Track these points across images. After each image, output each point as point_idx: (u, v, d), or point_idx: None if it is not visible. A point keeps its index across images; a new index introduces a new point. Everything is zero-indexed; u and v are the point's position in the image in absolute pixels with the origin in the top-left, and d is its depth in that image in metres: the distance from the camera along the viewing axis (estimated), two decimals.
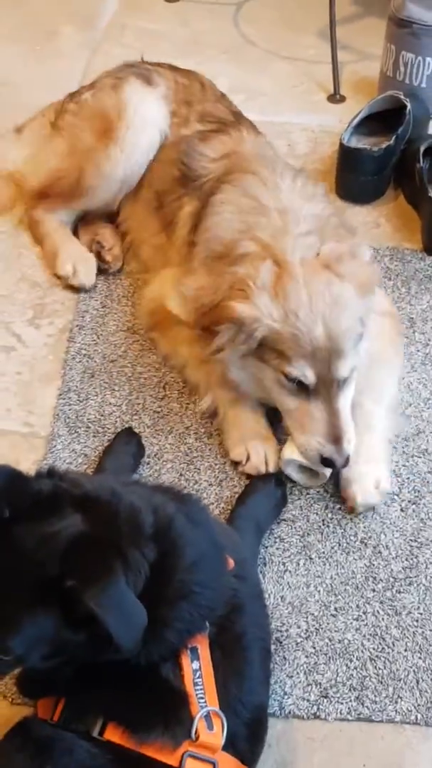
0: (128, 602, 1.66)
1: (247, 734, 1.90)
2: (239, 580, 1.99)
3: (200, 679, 1.83)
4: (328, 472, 2.63)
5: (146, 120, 3.24)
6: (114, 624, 1.61)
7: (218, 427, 2.82)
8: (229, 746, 1.84)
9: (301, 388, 2.55)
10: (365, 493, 2.61)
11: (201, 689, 1.82)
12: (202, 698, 1.81)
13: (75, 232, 3.47)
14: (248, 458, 2.71)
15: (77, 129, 3.33)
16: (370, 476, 2.63)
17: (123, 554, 1.69)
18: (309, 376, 2.52)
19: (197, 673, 1.83)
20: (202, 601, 1.83)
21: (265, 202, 2.77)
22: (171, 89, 3.35)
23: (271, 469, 2.68)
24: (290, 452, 2.62)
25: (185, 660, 1.83)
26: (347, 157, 3.67)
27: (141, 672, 1.80)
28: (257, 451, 2.71)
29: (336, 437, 2.54)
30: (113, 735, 1.76)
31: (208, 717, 1.81)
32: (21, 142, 3.59)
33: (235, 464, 2.74)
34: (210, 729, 1.80)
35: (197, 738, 1.78)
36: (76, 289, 3.30)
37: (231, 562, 1.98)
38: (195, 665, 1.83)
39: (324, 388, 2.54)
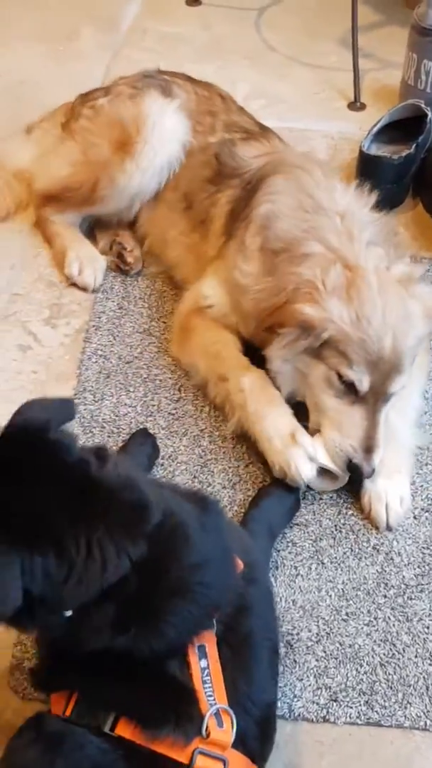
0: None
1: (258, 733, 1.91)
2: (248, 582, 2.00)
3: (209, 677, 1.83)
4: (346, 477, 2.63)
5: (165, 135, 3.23)
6: None
7: (256, 447, 2.74)
8: (240, 744, 1.85)
9: (349, 392, 2.55)
10: (393, 515, 2.62)
11: (210, 687, 1.83)
12: (210, 695, 1.82)
13: (91, 232, 3.49)
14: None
15: (92, 136, 3.32)
16: (395, 493, 2.64)
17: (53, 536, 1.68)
18: (365, 383, 2.52)
19: (205, 670, 1.84)
20: (205, 601, 1.83)
21: (324, 204, 2.77)
22: (192, 100, 3.35)
23: (322, 460, 2.62)
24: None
25: (193, 657, 1.84)
26: (367, 164, 3.67)
27: (147, 668, 1.81)
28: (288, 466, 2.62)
29: (369, 447, 2.55)
30: (125, 730, 1.76)
31: (217, 714, 1.81)
32: (30, 142, 3.60)
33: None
34: (220, 726, 1.81)
35: (208, 735, 1.78)
36: (84, 289, 3.31)
37: (240, 565, 1.98)
38: (203, 663, 1.84)
39: (372, 398, 2.55)
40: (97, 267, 3.33)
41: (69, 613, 1.73)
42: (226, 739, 1.81)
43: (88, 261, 3.33)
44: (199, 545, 1.85)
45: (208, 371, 2.86)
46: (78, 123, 3.40)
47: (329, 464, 2.60)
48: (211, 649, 1.87)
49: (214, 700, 1.82)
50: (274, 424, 2.65)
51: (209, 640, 1.87)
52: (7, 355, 3.10)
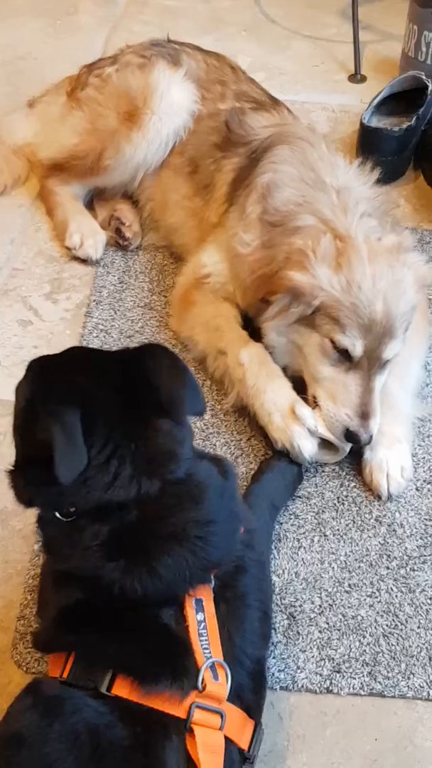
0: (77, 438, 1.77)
1: (253, 685, 1.93)
2: (247, 547, 2.02)
3: (205, 630, 1.84)
4: (347, 447, 2.64)
5: (173, 106, 3.24)
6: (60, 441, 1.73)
7: (256, 420, 2.74)
8: (236, 698, 1.86)
9: (343, 360, 2.57)
10: (395, 484, 2.62)
11: (206, 640, 1.84)
12: (206, 649, 1.83)
13: (90, 206, 3.48)
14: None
15: (100, 106, 3.32)
16: (396, 463, 2.64)
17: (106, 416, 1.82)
18: (358, 347, 2.53)
19: (201, 624, 1.85)
20: (203, 555, 1.84)
21: (324, 178, 2.77)
22: (201, 69, 3.34)
23: (321, 431, 2.63)
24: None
25: (190, 610, 1.85)
26: (367, 136, 3.66)
27: (142, 617, 1.83)
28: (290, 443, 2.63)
29: (365, 413, 2.56)
30: (122, 688, 1.77)
31: (213, 668, 1.82)
32: (34, 116, 3.59)
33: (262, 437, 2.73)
34: (215, 679, 1.81)
35: (204, 688, 1.79)
36: (84, 261, 3.31)
37: (241, 530, 2.00)
38: (200, 616, 1.85)
39: (366, 364, 2.56)
40: (98, 240, 3.32)
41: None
42: (222, 692, 1.82)
43: (90, 233, 3.32)
44: (210, 506, 1.89)
45: (207, 345, 2.85)
46: (85, 92, 3.39)
47: (330, 435, 2.60)
48: (208, 603, 1.88)
49: (210, 653, 1.83)
50: (274, 399, 2.65)
51: (206, 595, 1.88)
52: (7, 330, 3.10)
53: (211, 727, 1.78)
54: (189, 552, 1.83)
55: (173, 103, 3.22)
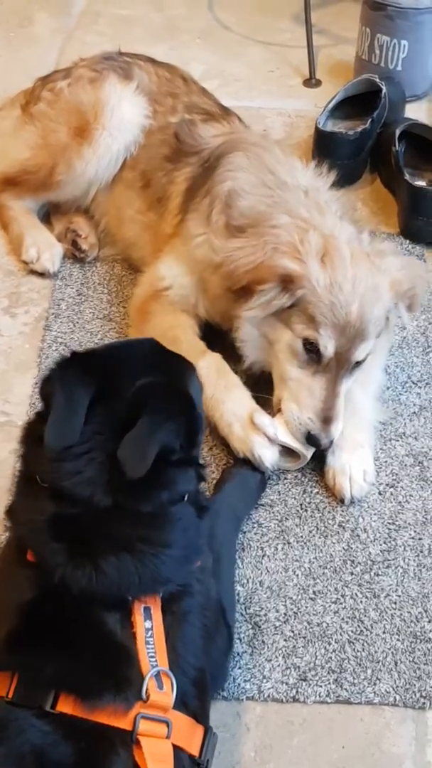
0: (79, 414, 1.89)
1: (197, 692, 1.92)
2: (197, 581, 2.03)
3: (152, 639, 1.84)
4: (309, 453, 2.63)
5: (123, 121, 3.22)
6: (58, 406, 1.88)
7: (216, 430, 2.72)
8: (181, 705, 1.85)
9: (312, 362, 2.57)
10: (357, 487, 2.62)
11: (152, 648, 1.83)
12: (153, 657, 1.82)
13: (47, 219, 3.47)
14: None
15: (51, 121, 3.30)
16: (358, 467, 2.64)
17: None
18: (329, 348, 2.55)
19: (149, 632, 1.84)
20: (153, 567, 1.87)
21: (286, 180, 2.78)
22: (153, 82, 3.33)
23: (281, 439, 2.63)
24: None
25: (138, 617, 1.84)
26: (323, 141, 3.67)
27: (84, 624, 1.83)
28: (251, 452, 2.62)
29: (327, 418, 2.57)
30: (65, 706, 1.75)
31: (157, 677, 1.81)
32: None
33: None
34: (160, 688, 1.80)
35: (148, 698, 1.78)
36: (42, 275, 3.29)
37: (198, 563, 2.04)
38: (147, 624, 1.85)
39: (335, 367, 2.57)
40: (55, 252, 3.30)
41: None
42: (167, 701, 1.81)
43: (46, 246, 3.30)
44: (170, 536, 1.92)
45: None
46: (37, 107, 3.37)
47: (290, 443, 2.60)
48: (156, 612, 1.88)
49: (156, 662, 1.82)
50: (233, 409, 2.65)
51: (155, 605, 1.88)
52: None
53: (158, 736, 1.77)
54: (138, 561, 1.85)
55: (124, 118, 3.21)
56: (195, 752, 1.86)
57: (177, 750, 1.79)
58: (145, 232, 3.17)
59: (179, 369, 2.13)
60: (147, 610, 1.86)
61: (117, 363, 2.03)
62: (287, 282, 2.54)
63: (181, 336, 2.81)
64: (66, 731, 1.74)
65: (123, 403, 1.91)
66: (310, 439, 2.58)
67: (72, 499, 1.86)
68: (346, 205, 2.90)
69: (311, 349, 2.56)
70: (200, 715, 1.91)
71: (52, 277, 3.29)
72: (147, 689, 1.79)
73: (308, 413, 2.57)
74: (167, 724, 1.79)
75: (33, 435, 1.99)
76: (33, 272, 3.30)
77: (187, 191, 2.96)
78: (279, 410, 2.66)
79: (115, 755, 1.73)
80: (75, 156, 3.21)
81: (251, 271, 2.59)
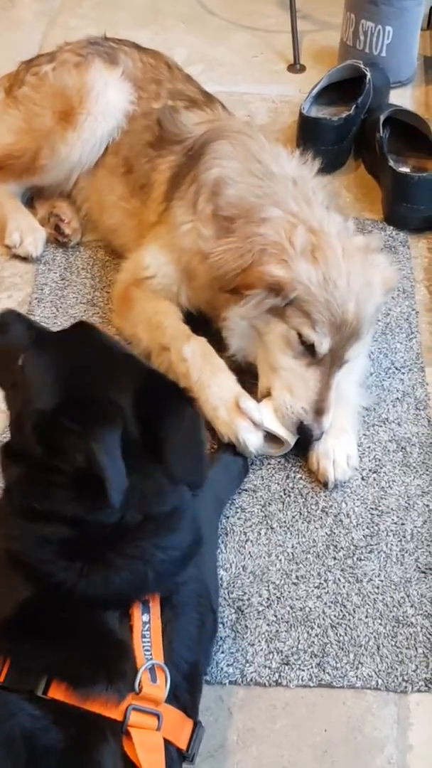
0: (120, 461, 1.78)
1: (188, 686, 1.92)
2: (195, 566, 2.04)
3: (148, 632, 1.84)
4: (292, 440, 2.64)
5: (108, 106, 3.20)
6: (110, 467, 1.74)
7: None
8: (172, 699, 1.85)
9: (306, 354, 2.58)
10: (340, 471, 2.62)
11: (148, 642, 1.83)
12: (148, 650, 1.82)
13: (30, 203, 3.45)
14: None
15: (35, 105, 3.27)
16: (342, 451, 2.65)
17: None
18: (324, 345, 2.55)
19: (146, 625, 1.85)
20: (161, 570, 1.87)
21: (273, 169, 2.77)
22: (138, 68, 3.31)
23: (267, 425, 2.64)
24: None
25: (136, 611, 1.85)
26: (307, 127, 3.66)
27: (84, 620, 1.83)
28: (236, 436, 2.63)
29: (320, 409, 2.58)
30: (57, 692, 1.76)
31: (152, 670, 1.82)
32: None
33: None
34: (153, 681, 1.81)
35: (140, 690, 1.78)
36: (24, 259, 3.28)
37: None
38: (145, 617, 1.85)
39: (329, 362, 2.58)
40: (38, 237, 3.29)
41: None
42: (159, 694, 1.81)
43: (29, 231, 3.29)
44: (181, 535, 1.95)
45: (150, 342, 2.83)
46: (21, 90, 3.35)
47: (275, 429, 2.60)
48: (155, 606, 1.88)
49: (151, 655, 1.82)
50: (218, 393, 2.64)
51: (153, 598, 1.88)
52: None
53: (148, 728, 1.77)
54: (149, 566, 1.86)
55: (109, 103, 3.19)
56: (183, 746, 1.86)
57: (165, 743, 1.80)
58: (128, 219, 3.16)
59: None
60: (145, 603, 1.86)
61: (112, 374, 1.95)
62: (276, 288, 2.54)
63: (164, 321, 2.81)
64: (56, 717, 1.74)
65: (134, 416, 1.87)
66: (302, 429, 2.59)
67: (98, 526, 1.84)
68: (332, 194, 2.91)
69: (306, 342, 2.56)
70: (190, 709, 1.92)
71: (35, 262, 3.27)
72: (140, 682, 1.79)
73: (301, 403, 2.58)
74: (158, 716, 1.79)
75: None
76: (16, 257, 3.29)
77: (171, 179, 2.95)
78: (265, 397, 2.66)
79: (105, 743, 1.73)
80: (59, 140, 3.19)
81: (240, 275, 2.59)
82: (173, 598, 1.93)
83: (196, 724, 1.91)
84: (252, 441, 2.59)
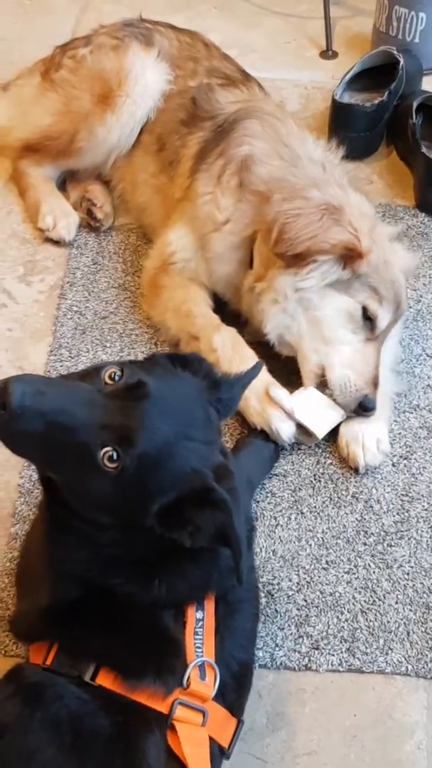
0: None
1: (235, 685, 1.93)
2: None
3: (201, 629, 1.85)
4: (321, 434, 2.63)
5: (147, 88, 3.21)
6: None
7: None
8: (219, 697, 1.86)
9: (364, 329, 2.64)
10: (370, 455, 2.63)
11: (200, 639, 1.84)
12: (199, 648, 1.84)
13: (63, 188, 3.46)
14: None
15: (74, 88, 3.28)
16: (371, 436, 2.65)
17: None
18: (385, 321, 2.64)
19: (200, 622, 1.86)
20: (225, 567, 1.86)
21: (300, 153, 2.80)
22: (174, 47, 3.32)
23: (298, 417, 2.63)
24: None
25: (190, 608, 1.86)
26: (339, 113, 3.65)
27: (140, 617, 1.83)
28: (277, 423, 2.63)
29: (377, 383, 2.63)
30: (105, 680, 1.77)
31: (202, 667, 1.83)
32: (6, 100, 3.53)
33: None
34: (202, 679, 1.82)
35: (188, 686, 1.79)
36: (57, 243, 3.29)
37: None
38: (199, 614, 1.86)
39: (381, 339, 2.66)
40: (71, 221, 3.30)
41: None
42: (207, 692, 1.83)
43: (62, 214, 3.30)
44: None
45: (179, 330, 2.84)
46: (59, 74, 3.35)
47: (306, 421, 2.60)
48: (209, 603, 1.89)
49: (202, 652, 1.83)
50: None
51: (209, 596, 1.89)
52: None
53: (193, 723, 1.79)
54: (216, 569, 1.87)
55: (147, 85, 3.21)
56: (225, 744, 1.88)
57: (209, 739, 1.82)
58: (155, 195, 3.17)
59: None
60: (200, 601, 1.88)
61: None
62: (348, 257, 2.57)
63: (194, 310, 2.82)
64: (104, 702, 1.76)
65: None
66: (362, 405, 2.61)
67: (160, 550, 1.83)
68: (357, 179, 2.92)
69: (368, 317, 2.61)
70: (236, 709, 1.93)
71: (68, 246, 3.28)
72: (189, 678, 1.80)
73: (365, 378, 2.61)
74: (203, 713, 1.81)
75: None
76: (48, 240, 3.29)
77: (198, 154, 2.96)
78: (317, 375, 2.66)
79: (151, 733, 1.75)
80: (98, 123, 3.21)
81: (311, 240, 2.56)
82: (230, 593, 1.94)
83: (239, 723, 1.92)
84: (285, 430, 2.60)
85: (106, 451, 1.66)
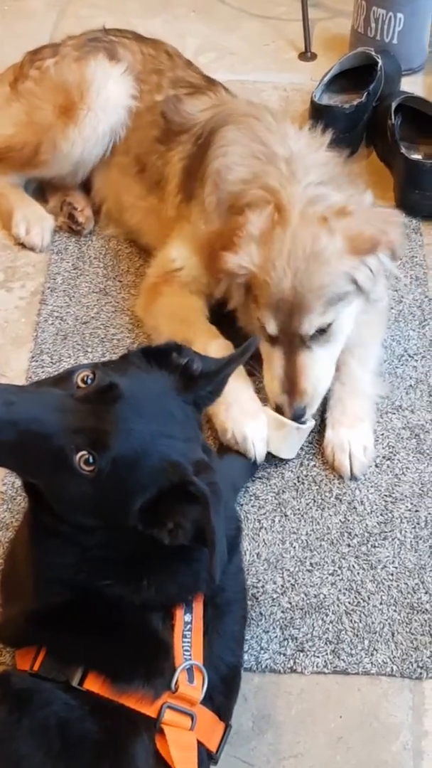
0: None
1: (224, 689, 1.93)
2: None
3: (189, 632, 1.85)
4: (288, 453, 2.65)
5: (109, 102, 3.16)
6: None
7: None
8: (207, 700, 1.86)
9: (270, 337, 2.57)
10: (358, 464, 2.62)
11: (188, 642, 1.84)
12: (187, 651, 1.83)
13: (42, 191, 3.45)
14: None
15: (37, 99, 3.24)
16: (358, 442, 2.64)
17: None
18: (270, 326, 2.54)
19: (188, 625, 1.85)
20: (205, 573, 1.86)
21: (275, 150, 2.73)
22: (138, 61, 3.26)
23: (258, 453, 2.61)
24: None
25: (179, 611, 1.85)
26: (318, 114, 3.64)
27: (128, 619, 1.83)
28: (243, 436, 2.61)
29: (289, 389, 2.56)
30: (93, 684, 1.77)
31: (190, 670, 1.83)
32: None
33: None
34: (190, 682, 1.82)
35: (176, 689, 1.79)
36: (31, 250, 3.29)
37: None
38: (187, 617, 1.86)
39: (286, 341, 2.55)
40: (45, 226, 3.30)
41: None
42: (196, 695, 1.82)
43: (36, 220, 3.29)
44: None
45: (173, 335, 2.78)
46: (24, 85, 3.32)
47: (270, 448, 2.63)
48: (197, 606, 1.88)
49: (190, 655, 1.83)
50: (235, 394, 2.61)
51: (197, 598, 1.89)
52: None
53: (182, 727, 1.79)
54: (203, 566, 1.84)
55: (110, 98, 3.16)
56: (213, 748, 1.87)
57: (197, 743, 1.81)
58: (148, 217, 3.14)
59: None
60: (189, 603, 1.87)
61: None
62: (229, 275, 2.59)
63: (191, 317, 2.82)
64: (92, 707, 1.75)
65: None
66: (278, 408, 2.59)
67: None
68: (338, 167, 2.83)
69: (262, 325, 2.58)
70: (224, 712, 1.93)
71: (44, 251, 3.28)
72: (177, 681, 1.80)
73: (274, 383, 2.59)
74: (192, 717, 1.80)
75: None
76: (21, 245, 3.30)
77: (184, 170, 2.94)
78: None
79: (139, 737, 1.74)
80: (60, 136, 3.16)
81: (210, 264, 2.69)
82: (217, 597, 1.94)
83: (227, 727, 1.92)
84: (259, 448, 2.60)
85: (82, 455, 1.67)
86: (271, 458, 2.65)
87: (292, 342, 2.55)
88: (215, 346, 2.69)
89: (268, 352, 2.60)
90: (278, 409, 2.58)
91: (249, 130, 2.81)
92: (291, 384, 2.56)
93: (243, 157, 2.76)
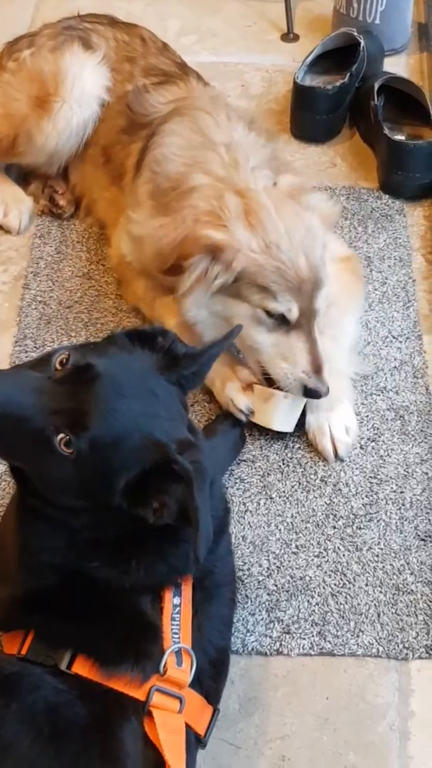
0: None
1: (212, 672, 1.93)
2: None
3: (178, 615, 1.85)
4: (286, 420, 2.63)
5: (84, 93, 3.10)
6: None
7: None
8: (196, 683, 1.86)
9: (280, 323, 2.51)
10: (342, 446, 2.62)
11: (177, 625, 1.84)
12: (176, 634, 1.83)
13: (23, 176, 3.42)
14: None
15: (13, 90, 3.18)
16: (339, 424, 2.64)
17: None
18: (294, 310, 2.48)
19: (177, 608, 1.85)
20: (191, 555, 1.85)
21: (214, 138, 2.71)
22: (111, 48, 3.21)
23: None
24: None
25: (168, 594, 1.85)
26: (301, 95, 3.63)
27: (117, 603, 1.83)
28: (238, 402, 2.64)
29: (318, 367, 2.52)
30: (82, 668, 1.77)
31: (178, 653, 1.82)
32: None
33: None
34: (179, 665, 1.82)
35: (165, 672, 1.79)
36: (8, 232, 3.27)
37: None
38: (176, 600, 1.85)
39: (305, 321, 2.52)
40: (23, 209, 3.28)
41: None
42: (184, 678, 1.82)
43: (14, 203, 3.28)
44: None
45: (150, 316, 2.83)
46: (2, 77, 3.27)
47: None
48: (186, 589, 1.88)
49: (179, 638, 1.83)
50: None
51: (186, 581, 1.89)
52: None
53: (170, 710, 1.78)
54: (182, 554, 1.85)
55: (85, 89, 3.11)
56: (201, 732, 1.87)
57: (185, 727, 1.81)
58: (110, 208, 3.10)
59: None
60: (178, 586, 1.87)
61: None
62: (215, 252, 2.46)
63: (156, 298, 2.81)
64: (81, 691, 1.75)
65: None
66: (309, 392, 2.54)
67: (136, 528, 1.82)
68: (274, 152, 2.85)
69: (274, 315, 2.51)
70: (212, 696, 1.93)
71: (22, 234, 3.27)
72: (165, 664, 1.80)
73: (301, 368, 2.53)
74: (180, 700, 1.80)
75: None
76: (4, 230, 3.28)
77: (135, 165, 2.91)
78: (264, 374, 2.63)
79: (127, 721, 1.75)
80: (34, 128, 3.11)
81: (176, 247, 2.52)
82: (206, 580, 1.94)
83: (215, 711, 1.93)
84: (241, 401, 2.62)
85: (62, 437, 1.66)
86: (257, 438, 2.65)
87: (309, 321, 2.53)
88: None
89: (280, 342, 2.53)
90: (308, 392, 2.53)
91: (192, 122, 2.79)
92: (317, 361, 2.52)
93: (180, 148, 2.74)
